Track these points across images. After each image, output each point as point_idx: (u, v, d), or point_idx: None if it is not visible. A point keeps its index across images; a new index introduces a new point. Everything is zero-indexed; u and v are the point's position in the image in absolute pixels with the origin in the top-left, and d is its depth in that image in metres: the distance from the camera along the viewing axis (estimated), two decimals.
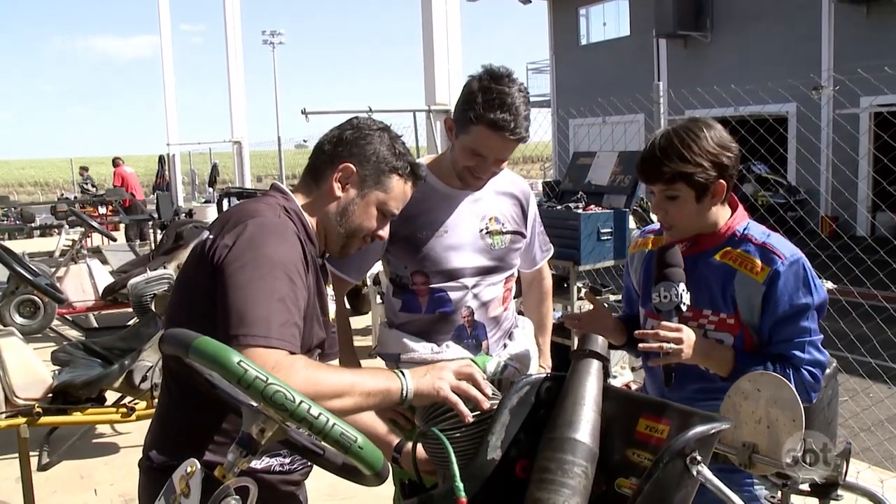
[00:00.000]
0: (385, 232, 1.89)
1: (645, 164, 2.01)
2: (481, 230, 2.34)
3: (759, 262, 1.97)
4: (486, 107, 2.09)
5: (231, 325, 1.50)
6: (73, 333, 6.61)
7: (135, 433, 4.95)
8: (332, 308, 1.97)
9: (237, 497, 1.13)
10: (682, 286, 1.90)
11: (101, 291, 6.94)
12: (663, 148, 1.97)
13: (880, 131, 6.74)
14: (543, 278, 2.72)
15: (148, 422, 4.53)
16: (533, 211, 2.52)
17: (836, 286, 5.55)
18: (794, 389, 1.72)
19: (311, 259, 1.73)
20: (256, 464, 1.68)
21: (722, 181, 1.98)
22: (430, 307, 2.32)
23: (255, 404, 1.22)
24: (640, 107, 6.59)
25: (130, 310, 7.03)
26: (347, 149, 1.81)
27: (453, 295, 2.31)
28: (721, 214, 2.05)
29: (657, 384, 2.16)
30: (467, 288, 2.31)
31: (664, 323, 1.90)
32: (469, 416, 1.62)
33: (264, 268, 1.57)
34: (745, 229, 2.05)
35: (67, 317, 6.86)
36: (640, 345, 1.95)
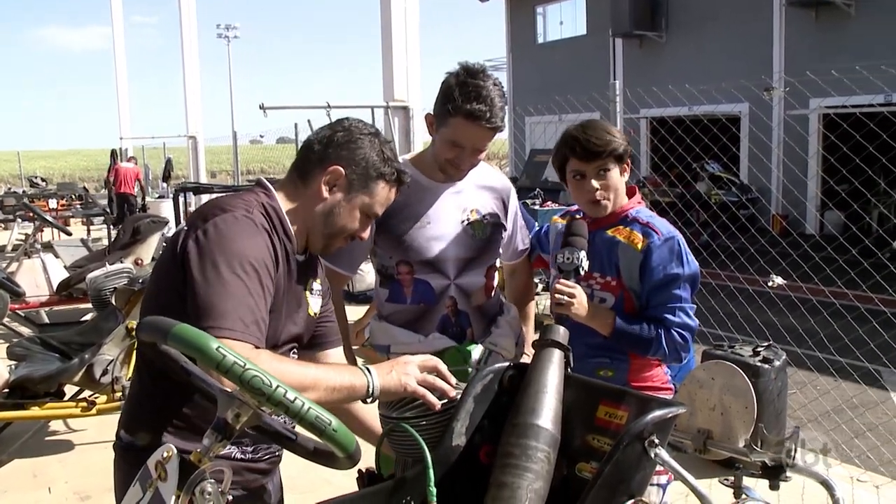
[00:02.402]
0: (366, 233, 1.92)
1: (582, 147, 2.31)
2: (463, 221, 2.44)
3: (640, 235, 2.33)
4: (463, 99, 2.22)
5: (199, 317, 1.52)
6: (25, 330, 6.49)
7: (89, 430, 4.88)
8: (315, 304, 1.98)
9: (212, 481, 1.16)
10: (582, 253, 2.15)
11: (55, 286, 6.81)
12: (587, 135, 2.32)
13: (828, 132, 6.93)
14: (525, 270, 2.81)
15: (108, 416, 4.47)
16: (514, 205, 2.63)
17: (785, 282, 5.71)
18: (746, 378, 1.80)
19: (283, 256, 1.75)
20: None
21: (629, 160, 2.39)
22: (414, 298, 2.42)
23: (229, 390, 1.25)
24: (596, 105, 6.67)
25: (84, 306, 6.92)
26: (337, 151, 1.83)
27: (436, 286, 2.41)
28: (622, 197, 2.41)
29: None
30: (450, 278, 2.41)
31: (562, 280, 2.16)
32: (437, 405, 1.66)
33: (232, 262, 1.59)
34: (636, 213, 2.39)
35: (19, 312, 6.72)
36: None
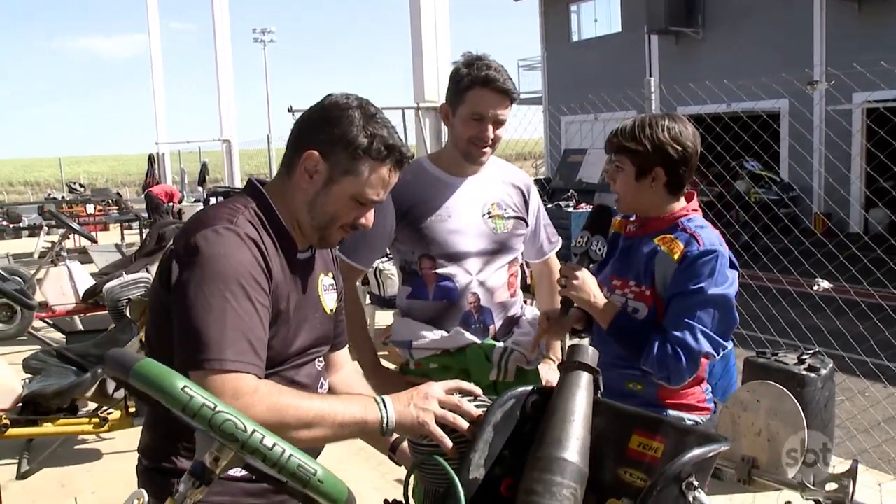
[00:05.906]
0: (368, 220, 1.71)
1: (610, 134, 2.28)
2: (483, 214, 2.48)
3: (681, 245, 2.15)
4: (477, 71, 2.34)
5: (185, 348, 1.41)
6: (57, 336, 6.47)
7: (118, 439, 4.84)
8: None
9: None
10: (597, 237, 2.17)
11: (81, 294, 6.78)
12: (627, 125, 2.22)
13: (877, 127, 6.65)
14: (553, 271, 2.78)
15: (123, 431, 4.37)
16: (535, 201, 2.68)
17: (832, 285, 5.49)
18: (795, 401, 1.65)
19: (281, 260, 1.63)
20: None
21: (661, 168, 2.17)
22: (437, 294, 2.45)
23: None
24: (631, 103, 6.52)
25: None
26: (312, 134, 1.64)
27: (459, 282, 2.43)
28: (669, 202, 2.24)
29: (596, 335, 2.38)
30: (471, 274, 2.44)
31: (568, 263, 2.18)
32: (450, 449, 1.51)
33: (216, 286, 1.46)
34: (687, 221, 2.21)
35: (48, 320, 6.70)
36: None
